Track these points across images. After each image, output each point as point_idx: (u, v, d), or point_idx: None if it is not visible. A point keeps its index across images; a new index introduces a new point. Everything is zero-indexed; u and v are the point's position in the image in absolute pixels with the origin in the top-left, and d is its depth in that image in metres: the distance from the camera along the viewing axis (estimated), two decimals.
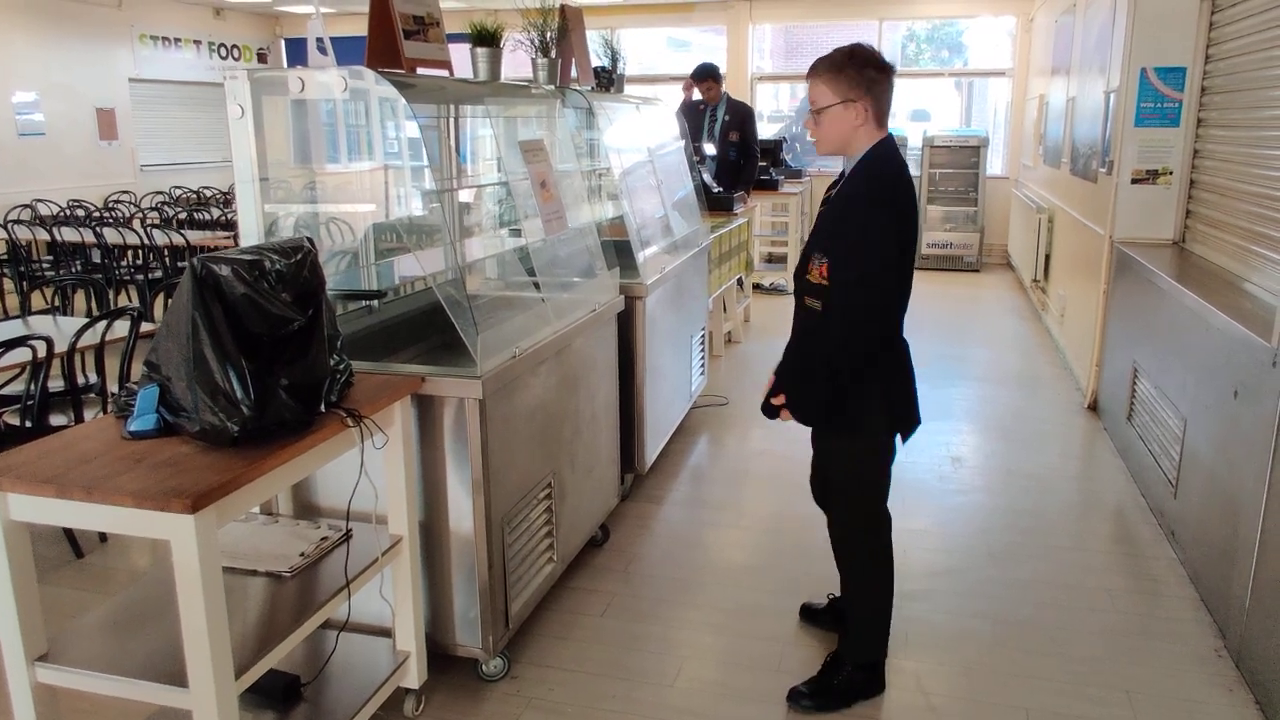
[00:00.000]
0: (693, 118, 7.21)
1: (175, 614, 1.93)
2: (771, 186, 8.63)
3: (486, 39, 3.18)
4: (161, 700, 1.84)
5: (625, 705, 2.70)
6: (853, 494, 2.67)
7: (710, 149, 7.15)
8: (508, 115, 3.42)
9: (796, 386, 2.57)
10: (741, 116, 7.20)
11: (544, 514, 2.99)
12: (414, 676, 2.57)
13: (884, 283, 2.35)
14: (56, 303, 6.45)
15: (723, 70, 7.43)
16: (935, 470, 4.46)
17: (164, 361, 1.99)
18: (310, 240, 2.23)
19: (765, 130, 11.53)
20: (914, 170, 10.50)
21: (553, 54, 3.71)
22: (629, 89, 4.88)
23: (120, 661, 1.91)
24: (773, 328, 7.48)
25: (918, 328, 7.47)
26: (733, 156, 7.17)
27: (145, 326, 3.95)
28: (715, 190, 6.74)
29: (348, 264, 3.06)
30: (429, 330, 3.18)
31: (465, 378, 2.46)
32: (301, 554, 2.33)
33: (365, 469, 2.24)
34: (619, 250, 3.90)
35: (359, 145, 3.09)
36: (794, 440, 4.86)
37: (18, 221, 7.63)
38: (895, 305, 2.46)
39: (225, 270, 1.95)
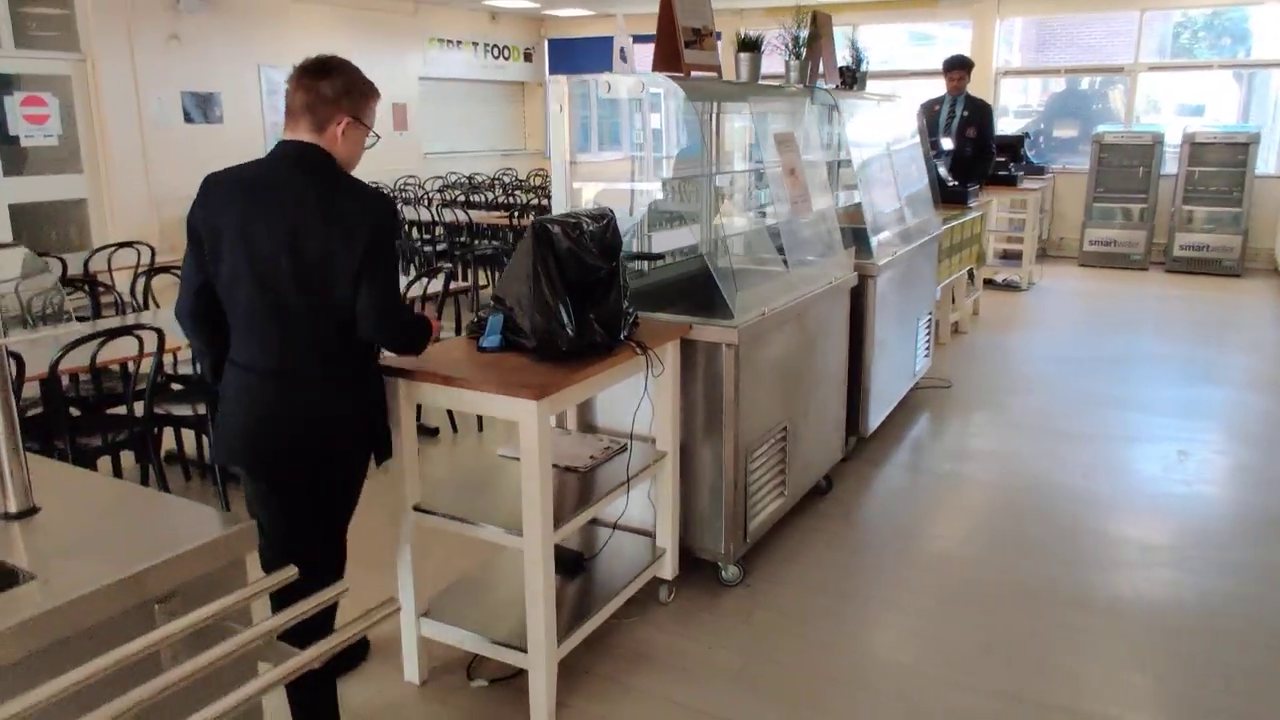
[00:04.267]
0: (930, 114, 7.40)
1: (507, 484, 2.60)
2: (1010, 182, 8.61)
3: (749, 46, 3.71)
4: (502, 541, 2.51)
5: (838, 615, 3.16)
6: None
7: (947, 144, 7.32)
8: (763, 111, 3.91)
9: None
10: (980, 113, 7.32)
11: (779, 453, 3.49)
12: (668, 569, 3.15)
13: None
14: None
15: None
16: (1161, 461, 4.55)
17: (508, 296, 2.66)
18: (611, 210, 2.85)
19: (1012, 126, 11.36)
20: (1171, 169, 10.04)
21: (803, 56, 4.18)
22: (871, 85, 5.26)
23: (473, 512, 2.60)
24: (1001, 323, 7.56)
25: (1162, 328, 7.33)
26: (969, 152, 7.30)
27: (452, 285, 4.81)
28: (950, 183, 6.92)
29: (631, 233, 3.69)
30: (690, 292, 3.74)
31: (725, 326, 3.01)
32: (591, 456, 2.97)
33: (648, 393, 2.83)
34: (855, 234, 4.31)
35: (639, 135, 3.69)
36: (1018, 427, 5.07)
37: None
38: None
39: (556, 229, 2.59)
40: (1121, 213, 10.16)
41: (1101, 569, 3.47)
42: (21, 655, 1.19)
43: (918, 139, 5.50)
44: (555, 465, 2.91)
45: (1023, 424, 5.12)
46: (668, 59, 3.36)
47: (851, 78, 4.96)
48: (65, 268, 5.18)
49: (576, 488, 2.82)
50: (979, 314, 7.69)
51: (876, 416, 4.56)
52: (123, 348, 3.45)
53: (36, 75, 8.05)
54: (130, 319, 4.27)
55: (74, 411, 3.85)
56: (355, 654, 2.88)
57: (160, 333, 3.45)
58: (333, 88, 2.24)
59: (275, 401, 2.23)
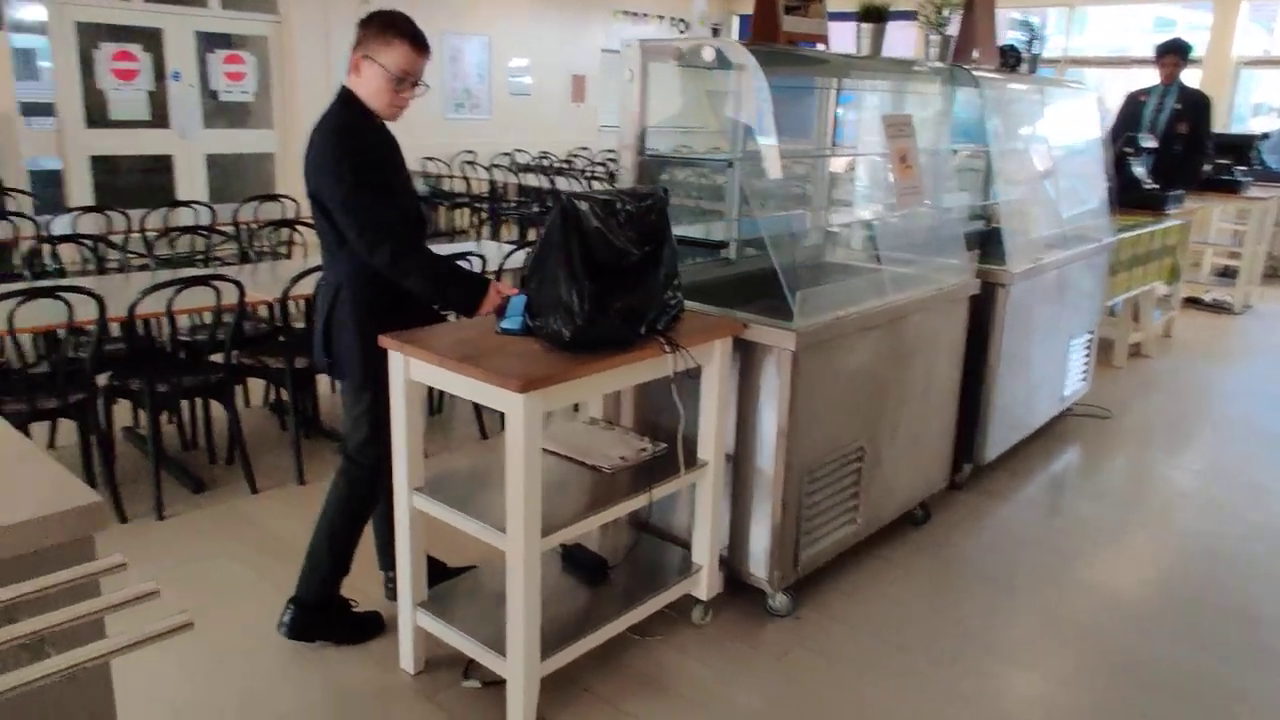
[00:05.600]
0: (1134, 106, 6.55)
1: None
2: (1232, 189, 7.50)
3: (872, 15, 3.30)
4: (487, 539, 2.33)
5: (892, 669, 2.77)
6: None
7: (1150, 141, 6.45)
8: (879, 90, 3.49)
9: None
10: (1195, 107, 6.39)
11: (852, 475, 3.11)
12: (703, 588, 2.87)
13: None
14: (514, 234, 7.74)
15: (1198, 51, 6.60)
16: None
17: (532, 276, 2.46)
18: (664, 190, 2.57)
19: (1262, 124, 9.94)
20: None
21: (947, 31, 3.69)
22: (1092, 72, 4.63)
23: (468, 504, 2.43)
24: (1198, 349, 6.61)
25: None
26: (1177, 150, 6.39)
27: None
28: (1147, 186, 6.09)
29: (710, 218, 3.39)
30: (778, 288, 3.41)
31: (782, 329, 2.67)
32: (622, 457, 2.73)
33: (675, 395, 2.55)
34: (989, 236, 3.81)
35: (728, 111, 3.36)
36: (1189, 472, 4.36)
37: (496, 166, 9.20)
38: None
39: (584, 206, 2.36)
40: None
41: (1251, 666, 2.86)
42: None
43: (1097, 134, 4.82)
44: (582, 463, 2.70)
45: (1196, 469, 4.41)
46: (765, 27, 3.03)
47: (1016, 60, 4.38)
48: (214, 216, 5.46)
49: (600, 488, 2.59)
50: (1170, 336, 6.77)
51: (999, 443, 4.03)
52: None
53: (238, 35, 8.62)
54: (246, 270, 4.42)
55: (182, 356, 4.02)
56: (368, 629, 2.81)
57: (239, 285, 3.51)
58: (357, 34, 2.54)
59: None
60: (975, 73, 3.70)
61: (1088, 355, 4.84)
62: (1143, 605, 3.20)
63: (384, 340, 2.40)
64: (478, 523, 2.34)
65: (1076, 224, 4.38)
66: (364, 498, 2.74)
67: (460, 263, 3.85)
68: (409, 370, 2.40)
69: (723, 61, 2.74)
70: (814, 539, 3.00)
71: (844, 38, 3.54)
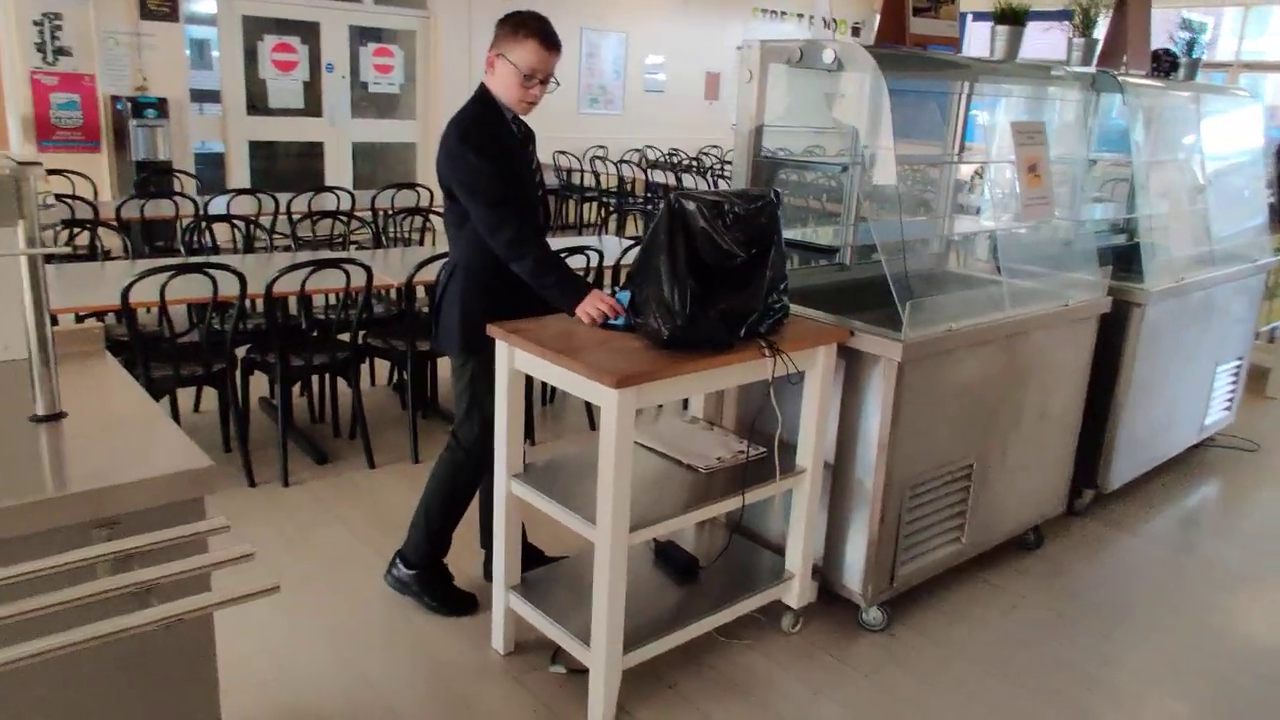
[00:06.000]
0: None
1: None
2: None
3: (1009, 17, 3.17)
4: (577, 529, 2.37)
5: (987, 697, 2.67)
6: None
7: None
8: (1013, 95, 3.35)
9: None
10: None
11: (958, 494, 3.01)
12: (795, 596, 2.84)
13: None
14: (639, 230, 7.81)
15: None
16: None
17: (637, 272, 2.49)
18: (776, 193, 2.55)
19: None
20: None
21: (1094, 33, 3.51)
22: (1272, 78, 4.33)
23: (564, 494, 2.48)
24: None
25: None
26: None
27: None
28: None
29: (827, 222, 3.34)
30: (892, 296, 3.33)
31: (889, 339, 2.61)
32: (718, 458, 2.72)
33: (774, 400, 2.53)
34: (1129, 251, 3.60)
35: (846, 114, 3.29)
36: None
37: (625, 161, 9.31)
38: None
39: (692, 206, 2.37)
40: None
41: None
42: None
43: (1259, 145, 4.48)
44: (678, 461, 2.71)
45: None
46: (893, 28, 2.97)
47: (1171, 65, 4.12)
48: (354, 202, 5.74)
49: (693, 487, 2.59)
50: None
51: (1126, 471, 3.81)
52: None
53: (388, 29, 9.01)
54: (378, 254, 4.63)
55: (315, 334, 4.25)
56: (461, 605, 2.91)
57: (368, 269, 3.68)
58: (494, 32, 2.62)
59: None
60: (1121, 78, 3.50)
61: (1234, 383, 4.52)
62: (1274, 656, 2.97)
63: (491, 329, 2.48)
64: (570, 512, 2.38)
65: (1229, 242, 4.09)
66: (465, 482, 2.84)
67: (576, 256, 3.97)
68: (513, 360, 2.47)
69: (842, 63, 2.69)
70: (913, 555, 2.93)
71: (984, 40, 3.42)
